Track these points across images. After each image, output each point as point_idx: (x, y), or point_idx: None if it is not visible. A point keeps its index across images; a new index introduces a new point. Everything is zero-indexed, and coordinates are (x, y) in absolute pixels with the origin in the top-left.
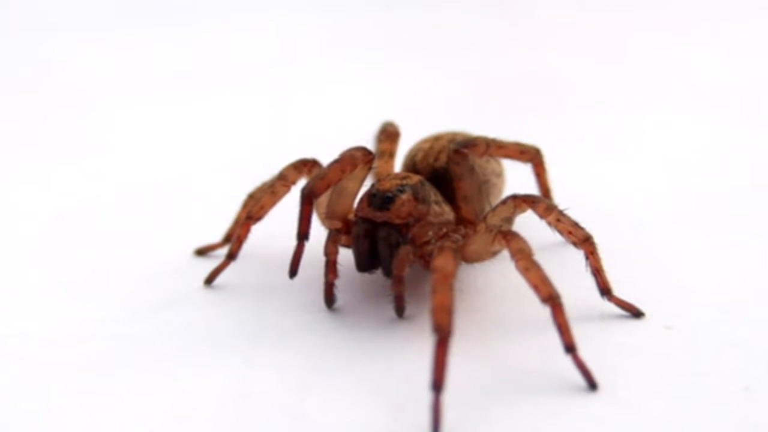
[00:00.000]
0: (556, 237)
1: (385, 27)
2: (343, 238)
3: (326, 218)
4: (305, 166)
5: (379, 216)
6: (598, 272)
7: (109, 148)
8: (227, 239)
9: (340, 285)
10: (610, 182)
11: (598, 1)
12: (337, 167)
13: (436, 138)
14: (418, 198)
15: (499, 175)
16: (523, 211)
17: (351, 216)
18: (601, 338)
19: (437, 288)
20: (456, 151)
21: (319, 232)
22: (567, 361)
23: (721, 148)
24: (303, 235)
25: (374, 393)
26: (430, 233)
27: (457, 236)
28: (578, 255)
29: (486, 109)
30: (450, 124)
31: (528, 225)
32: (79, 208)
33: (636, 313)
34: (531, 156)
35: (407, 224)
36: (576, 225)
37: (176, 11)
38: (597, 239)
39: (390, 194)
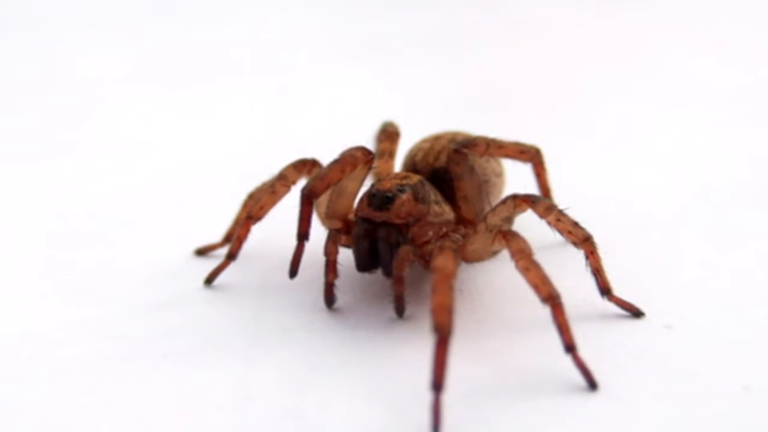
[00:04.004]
0: (556, 237)
1: (385, 27)
2: (343, 238)
3: (326, 218)
4: (305, 166)
5: (379, 216)
6: (598, 272)
7: (109, 148)
8: (227, 239)
9: (340, 285)
10: (610, 182)
11: (598, 1)
12: (337, 167)
13: (436, 138)
14: (418, 198)
15: (499, 174)
16: (523, 210)
17: (351, 216)
18: (601, 338)
19: (437, 288)
20: (456, 151)
21: (319, 232)
22: (567, 361)
23: (721, 147)
24: (303, 235)
25: (374, 393)
26: (430, 233)
27: (457, 236)
28: (578, 255)
29: (486, 108)
30: (450, 124)
31: (528, 225)
32: (79, 208)
33: (636, 313)
34: (531, 156)
35: (407, 224)
36: (576, 225)
37: (175, 12)
38: (597, 239)
39: (390, 194)
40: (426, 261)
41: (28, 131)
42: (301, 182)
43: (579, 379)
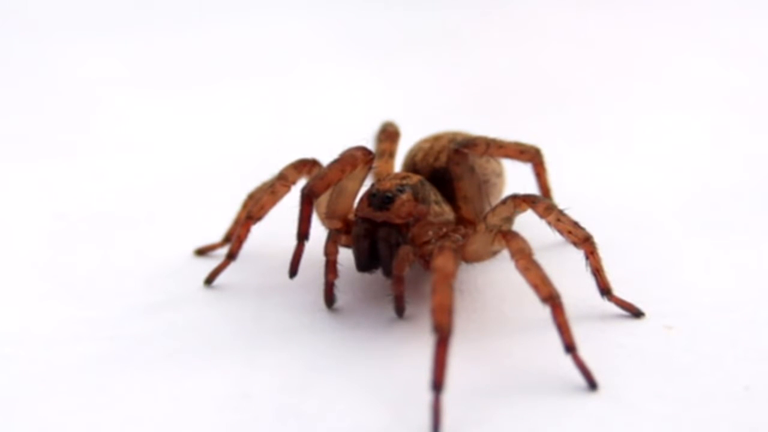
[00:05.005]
0: (556, 237)
1: (385, 27)
2: (343, 238)
3: (326, 218)
4: (305, 166)
5: (379, 216)
6: (598, 272)
7: (110, 147)
8: (227, 239)
9: (340, 285)
10: (610, 182)
11: (598, 2)
12: (337, 167)
13: (436, 138)
14: (418, 198)
15: (499, 175)
16: (523, 210)
17: (351, 216)
18: (601, 338)
19: (437, 288)
20: (456, 151)
21: (319, 232)
22: (567, 361)
23: (721, 147)
24: (303, 235)
25: (374, 393)
26: (430, 233)
27: (457, 236)
28: (578, 255)
29: (486, 109)
30: (450, 124)
31: (528, 225)
32: (79, 208)
33: (636, 313)
34: (531, 156)
35: (407, 224)
36: (576, 225)
37: (175, 12)
38: (597, 239)
39: (390, 194)
40: (426, 261)
41: (28, 131)
42: (301, 182)
43: (579, 379)
